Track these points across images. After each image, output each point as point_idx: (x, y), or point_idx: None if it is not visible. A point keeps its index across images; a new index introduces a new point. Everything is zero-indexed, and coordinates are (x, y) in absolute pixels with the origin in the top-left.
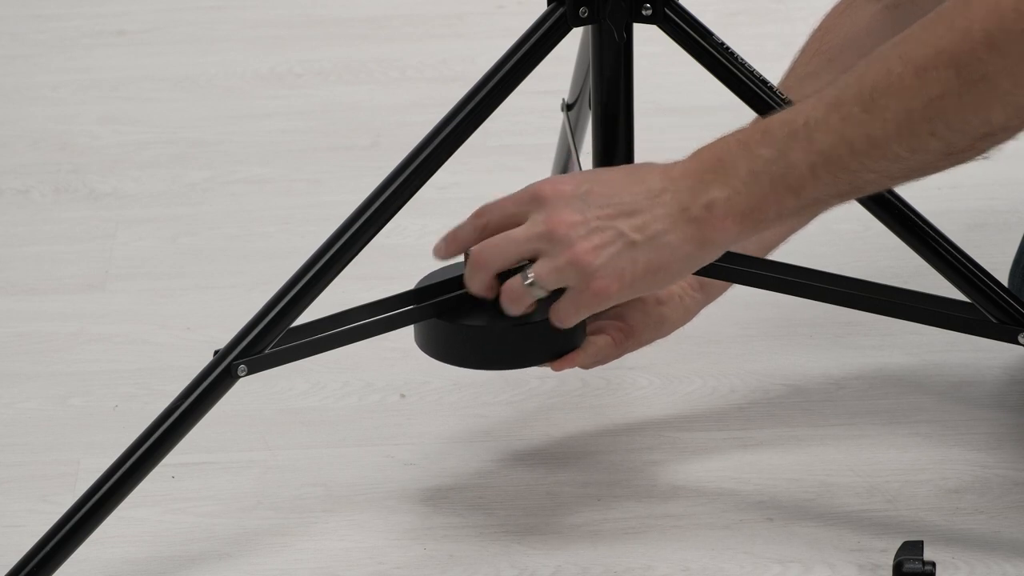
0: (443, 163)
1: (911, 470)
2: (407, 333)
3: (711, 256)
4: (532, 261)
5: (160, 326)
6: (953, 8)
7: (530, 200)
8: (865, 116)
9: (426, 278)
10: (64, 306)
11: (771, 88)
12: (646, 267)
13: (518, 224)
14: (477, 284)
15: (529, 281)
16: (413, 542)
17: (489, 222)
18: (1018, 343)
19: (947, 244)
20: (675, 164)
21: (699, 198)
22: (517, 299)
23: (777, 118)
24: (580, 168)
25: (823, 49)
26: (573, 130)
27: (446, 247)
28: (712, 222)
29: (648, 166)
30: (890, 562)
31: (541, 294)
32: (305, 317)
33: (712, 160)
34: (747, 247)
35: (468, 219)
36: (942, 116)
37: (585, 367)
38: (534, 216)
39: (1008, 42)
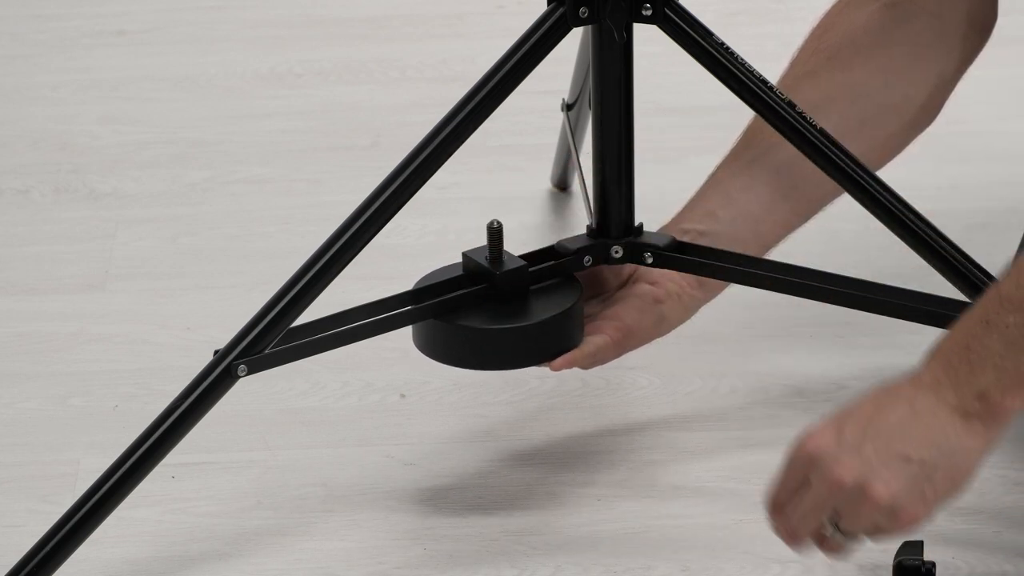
0: (443, 163)
1: None
2: (407, 333)
3: (1000, 438)
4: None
5: (160, 326)
6: None
7: (802, 462)
8: None
9: (425, 278)
10: (64, 306)
11: (771, 88)
12: (946, 481)
13: (803, 490)
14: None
15: (840, 537)
16: (413, 542)
17: (782, 503)
18: None
19: (947, 244)
20: (921, 372)
21: (967, 394)
22: (838, 552)
23: (1008, 283)
24: (580, 168)
25: (822, 47)
26: (573, 130)
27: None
28: (992, 409)
29: (895, 387)
30: (890, 562)
31: (860, 540)
32: (305, 317)
33: (960, 350)
34: (747, 247)
35: (772, 519)
36: None
37: (584, 367)
38: (815, 482)
39: None
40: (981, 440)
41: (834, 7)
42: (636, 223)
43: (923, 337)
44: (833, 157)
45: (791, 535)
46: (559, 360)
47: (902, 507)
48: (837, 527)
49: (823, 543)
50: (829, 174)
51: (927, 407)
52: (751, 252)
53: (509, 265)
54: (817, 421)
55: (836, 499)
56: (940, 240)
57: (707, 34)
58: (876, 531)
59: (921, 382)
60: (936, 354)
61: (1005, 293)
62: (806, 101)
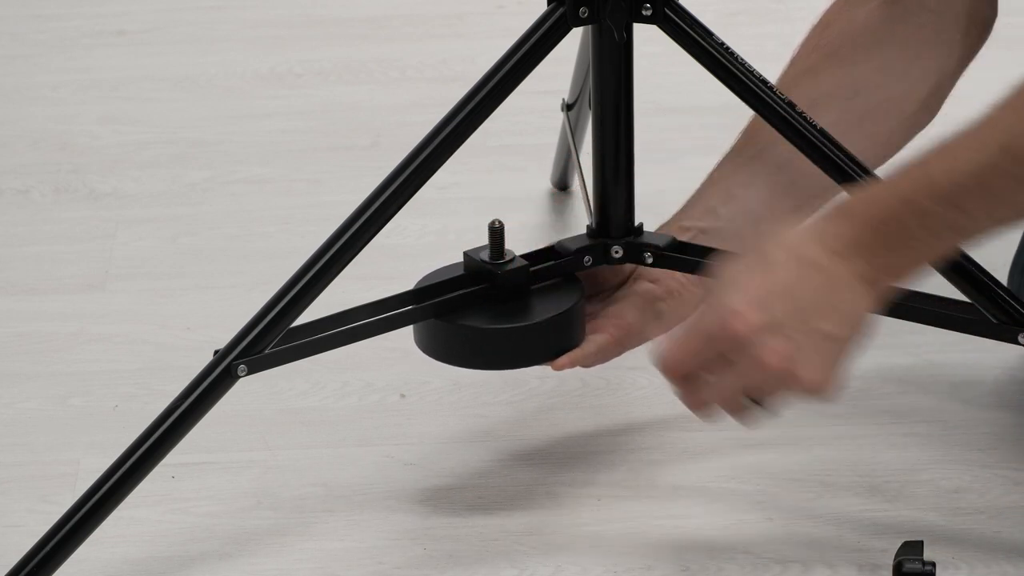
0: (443, 163)
1: (911, 470)
2: (407, 333)
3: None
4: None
5: (160, 326)
6: None
7: (728, 343)
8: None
9: (426, 278)
10: (64, 306)
11: (771, 88)
12: (852, 347)
13: (720, 365)
14: (699, 413)
15: (752, 406)
16: (413, 542)
17: (689, 374)
18: (1018, 343)
19: None
20: (833, 239)
21: (877, 266)
22: (747, 419)
23: (938, 167)
24: (580, 168)
25: (822, 44)
26: (573, 130)
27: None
28: (890, 281)
29: (809, 254)
30: (890, 562)
31: (772, 408)
32: (305, 317)
33: (877, 224)
34: (747, 244)
35: (677, 385)
36: None
37: (585, 366)
38: (741, 362)
39: None
40: (873, 304)
41: (834, 4)
42: (636, 223)
43: (923, 337)
44: (833, 157)
45: (698, 403)
46: (561, 360)
47: (820, 382)
48: (751, 398)
49: (734, 411)
50: (829, 174)
51: (842, 279)
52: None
53: (510, 265)
54: (729, 288)
55: (760, 379)
56: None
57: (707, 34)
58: (787, 397)
59: (835, 251)
60: (850, 220)
61: (935, 178)
62: (806, 98)
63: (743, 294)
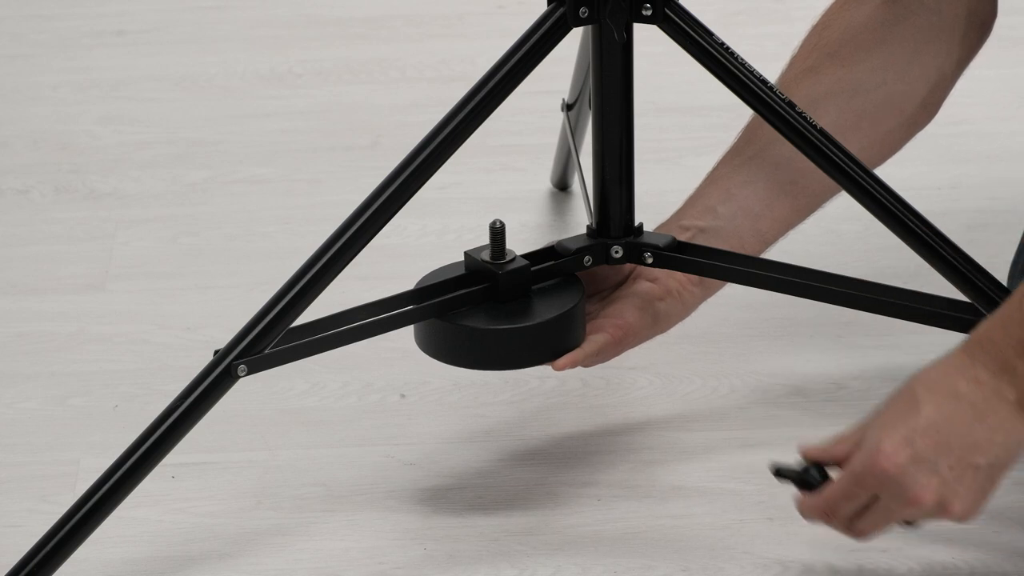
0: (443, 163)
1: None
2: (407, 333)
3: None
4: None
5: (160, 326)
6: None
7: (874, 483)
8: None
9: (426, 278)
10: (64, 306)
11: (771, 88)
12: (1004, 473)
13: (867, 503)
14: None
15: (910, 527)
16: (413, 542)
17: (842, 515)
18: None
19: (947, 244)
20: (977, 368)
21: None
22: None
23: None
24: (580, 168)
25: (822, 44)
26: (573, 130)
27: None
28: None
29: (953, 386)
30: (890, 562)
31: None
32: (305, 317)
33: (1015, 343)
34: (746, 243)
35: (827, 520)
36: None
37: (585, 365)
38: (888, 498)
39: None
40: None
41: (834, 4)
42: (636, 223)
43: (923, 337)
44: (833, 157)
45: (858, 534)
46: (562, 360)
47: (970, 512)
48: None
49: (886, 530)
50: (829, 174)
51: (989, 407)
52: (750, 248)
53: (511, 265)
54: (876, 429)
55: (912, 515)
56: (940, 240)
57: (707, 34)
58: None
59: (979, 380)
60: (989, 347)
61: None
62: (806, 96)
63: (890, 432)
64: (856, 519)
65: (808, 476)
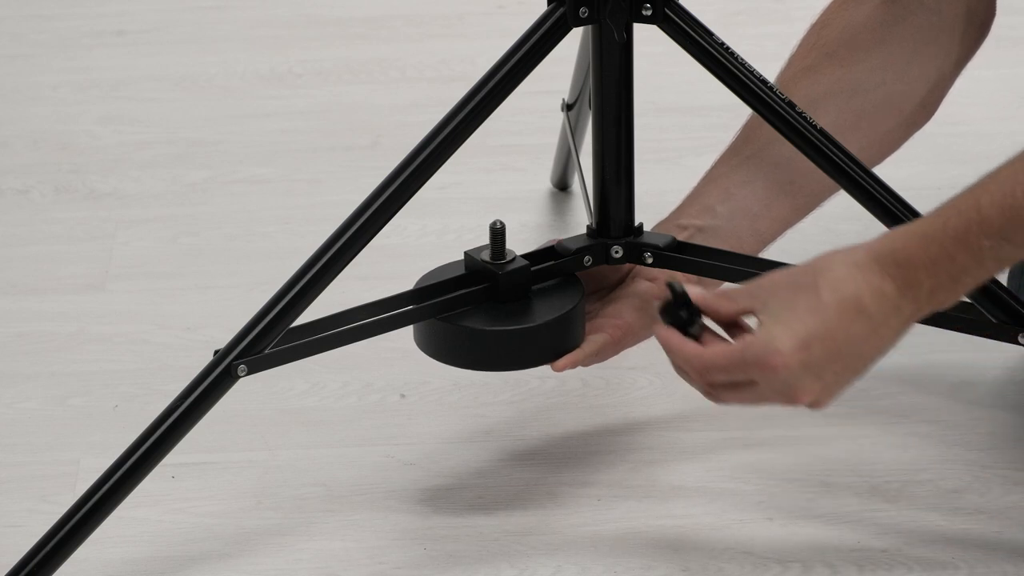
0: (443, 163)
1: (911, 470)
2: (407, 333)
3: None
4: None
5: (160, 326)
6: None
7: (759, 372)
8: None
9: (425, 278)
10: (64, 306)
11: (771, 88)
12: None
13: (742, 382)
14: (700, 388)
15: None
16: (413, 542)
17: (713, 381)
18: (1018, 343)
19: None
20: (883, 282)
21: (923, 305)
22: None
23: (989, 205)
24: (580, 168)
25: (820, 43)
26: (573, 130)
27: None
28: (933, 309)
29: (860, 301)
30: (890, 563)
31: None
32: (305, 317)
33: (929, 265)
34: (744, 242)
35: (692, 373)
36: None
37: (585, 365)
38: (766, 388)
39: None
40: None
41: (832, 4)
42: (636, 223)
43: (923, 337)
44: (834, 157)
45: (716, 400)
46: (562, 360)
47: (825, 406)
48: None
49: (709, 394)
50: (830, 174)
51: (886, 323)
52: (749, 247)
53: (511, 265)
54: (774, 321)
55: (780, 404)
56: None
57: (707, 34)
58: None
59: (884, 294)
60: (903, 262)
61: (987, 214)
62: (804, 96)
63: (789, 331)
64: (723, 388)
65: (683, 314)
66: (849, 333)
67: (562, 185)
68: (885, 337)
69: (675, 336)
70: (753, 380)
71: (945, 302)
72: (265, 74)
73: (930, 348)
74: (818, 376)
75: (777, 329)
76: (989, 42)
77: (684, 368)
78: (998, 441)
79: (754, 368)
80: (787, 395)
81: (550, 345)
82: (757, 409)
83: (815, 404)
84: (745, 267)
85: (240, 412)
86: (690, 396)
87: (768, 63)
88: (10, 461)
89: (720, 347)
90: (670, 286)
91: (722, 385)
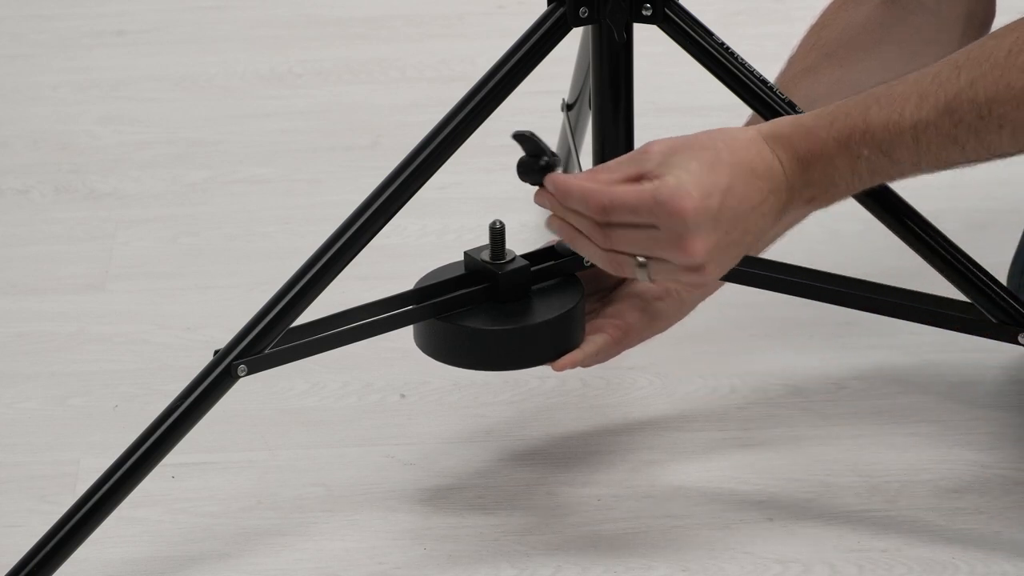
0: (443, 163)
1: (911, 470)
2: (407, 333)
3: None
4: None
5: (160, 326)
6: None
7: (665, 214)
8: (980, 123)
9: (425, 278)
10: (64, 306)
11: (771, 88)
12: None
13: (642, 224)
14: (586, 251)
15: (643, 272)
16: (413, 542)
17: (612, 220)
18: (1018, 343)
19: (947, 244)
20: (775, 165)
21: (801, 197)
22: (622, 272)
23: (879, 115)
24: (580, 168)
25: (820, 44)
26: (573, 130)
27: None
28: (805, 209)
29: (756, 171)
30: (890, 563)
31: (643, 277)
32: (305, 317)
33: (813, 159)
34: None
35: (593, 210)
36: None
37: (585, 366)
38: (665, 233)
39: None
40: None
41: (832, 4)
42: None
43: (923, 337)
44: None
45: (604, 243)
46: (562, 360)
47: (714, 277)
48: (640, 263)
49: (617, 264)
50: None
51: (775, 195)
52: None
53: (511, 265)
54: (681, 169)
55: (672, 257)
56: (940, 240)
57: (707, 34)
58: (671, 281)
59: (773, 169)
60: (792, 153)
61: (873, 126)
62: (804, 97)
63: (695, 180)
64: (620, 229)
65: (544, 160)
66: (746, 193)
67: None
68: (768, 213)
69: (572, 177)
70: (654, 224)
71: (816, 199)
72: (265, 74)
73: (930, 348)
74: (716, 229)
75: (687, 177)
76: None
77: (583, 205)
78: (998, 441)
79: (662, 209)
80: (681, 246)
81: (550, 345)
82: (759, 409)
83: (700, 268)
84: (746, 267)
85: (240, 412)
86: (690, 396)
87: (768, 63)
88: (10, 461)
89: (630, 186)
90: (517, 136)
91: (620, 225)
